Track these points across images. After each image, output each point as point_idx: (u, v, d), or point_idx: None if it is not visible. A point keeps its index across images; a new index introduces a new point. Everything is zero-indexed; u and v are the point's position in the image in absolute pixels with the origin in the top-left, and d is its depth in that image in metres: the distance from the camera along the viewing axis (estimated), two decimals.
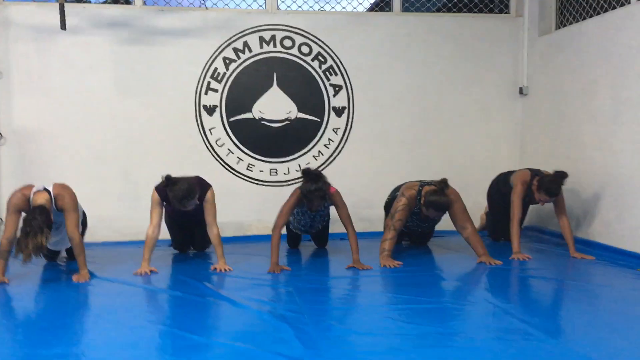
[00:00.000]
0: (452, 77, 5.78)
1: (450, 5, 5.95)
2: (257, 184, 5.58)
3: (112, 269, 4.15)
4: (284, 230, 4.59)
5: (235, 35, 5.46)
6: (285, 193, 4.43)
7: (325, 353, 2.49)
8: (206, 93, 5.45)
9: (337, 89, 5.65)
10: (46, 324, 2.97)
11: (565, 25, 5.40)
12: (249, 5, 5.56)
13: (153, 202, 4.15)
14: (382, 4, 5.80)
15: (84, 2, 5.37)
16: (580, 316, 3.00)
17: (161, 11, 5.33)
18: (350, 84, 5.65)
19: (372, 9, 5.90)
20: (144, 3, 5.38)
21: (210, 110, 5.47)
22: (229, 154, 5.51)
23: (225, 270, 4.06)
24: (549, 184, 4.42)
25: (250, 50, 5.50)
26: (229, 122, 5.50)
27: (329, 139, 5.67)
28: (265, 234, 4.71)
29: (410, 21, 5.73)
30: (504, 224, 4.77)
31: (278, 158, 5.60)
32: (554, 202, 4.53)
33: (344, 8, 5.76)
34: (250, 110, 5.52)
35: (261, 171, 5.58)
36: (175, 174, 4.11)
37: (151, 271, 4.02)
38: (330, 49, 5.60)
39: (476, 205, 5.15)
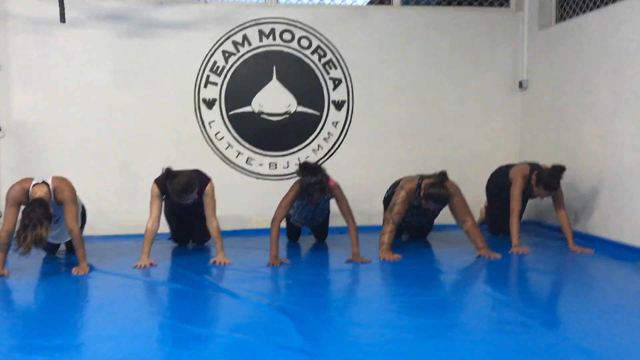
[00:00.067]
0: (452, 70, 5.78)
1: None
2: (256, 177, 5.58)
3: (112, 262, 4.16)
4: (283, 224, 4.60)
5: (234, 28, 5.45)
6: (284, 187, 4.43)
7: (324, 344, 2.50)
8: (205, 86, 5.44)
9: (336, 82, 5.64)
10: (46, 316, 2.97)
11: (565, 19, 5.39)
12: None
13: (152, 195, 4.14)
14: None
15: None
16: (579, 308, 3.01)
17: (160, 4, 5.31)
18: (350, 78, 5.65)
19: (372, 2, 5.89)
20: None
21: (210, 104, 5.46)
22: (228, 147, 5.51)
23: (224, 263, 4.06)
24: (547, 179, 4.42)
25: (249, 44, 5.48)
26: (228, 116, 5.49)
27: (329, 133, 5.66)
28: (264, 227, 4.71)
29: (410, 15, 5.72)
30: (503, 218, 4.78)
31: (277, 152, 5.60)
32: (552, 196, 4.54)
33: (343, 1, 5.74)
34: (249, 104, 5.51)
35: (260, 165, 5.58)
36: (174, 167, 4.12)
37: (150, 264, 4.02)
38: (330, 42, 5.59)
39: (476, 199, 5.14)
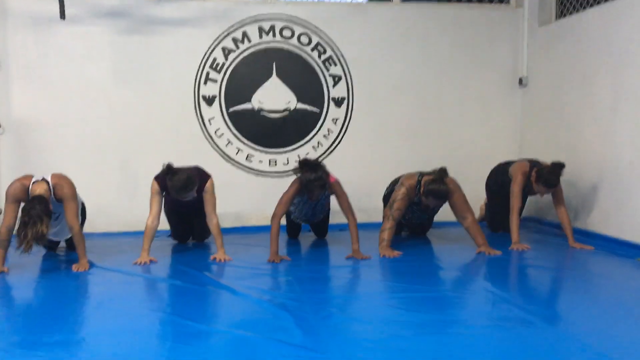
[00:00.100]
0: (452, 67, 5.77)
1: None
2: (256, 174, 5.58)
3: (112, 258, 4.16)
4: (283, 221, 4.59)
5: (234, 25, 5.44)
6: (284, 183, 4.43)
7: (325, 340, 2.50)
8: (205, 83, 5.43)
9: (336, 79, 5.64)
10: (46, 312, 2.98)
11: (565, 16, 5.39)
12: None
13: (153, 191, 4.14)
14: None
15: None
16: (579, 304, 3.02)
17: (159, 1, 5.30)
18: (350, 75, 5.64)
19: None
20: None
21: (210, 101, 5.46)
22: (228, 144, 5.50)
23: (225, 260, 4.06)
24: (547, 176, 4.42)
25: (249, 41, 5.48)
26: (228, 113, 5.49)
27: (328, 130, 5.66)
28: (264, 224, 4.71)
29: (410, 12, 5.71)
30: (503, 214, 4.78)
31: (277, 148, 5.60)
32: (552, 194, 4.54)
33: None
34: (249, 101, 5.51)
35: (260, 161, 5.58)
36: (174, 164, 4.10)
37: (151, 261, 4.02)
38: (329, 39, 5.59)
39: (475, 196, 5.14)
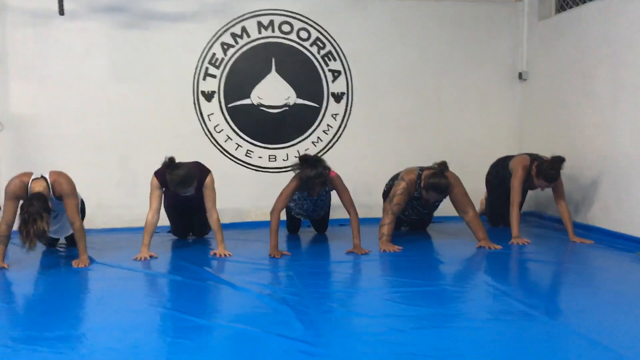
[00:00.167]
0: (451, 62, 5.76)
1: None
2: (255, 170, 5.57)
3: (112, 254, 4.15)
4: (283, 216, 4.59)
5: (233, 20, 5.42)
6: (284, 179, 4.43)
7: (326, 334, 2.50)
8: (204, 79, 5.42)
9: (335, 74, 5.63)
10: (47, 307, 2.98)
11: (565, 10, 5.37)
12: None
13: (152, 187, 4.14)
14: None
15: None
16: (579, 298, 3.02)
17: None
18: (349, 70, 5.63)
19: None
20: None
21: (209, 96, 5.45)
22: (227, 140, 5.50)
23: (225, 255, 4.06)
24: (547, 170, 4.42)
25: (248, 36, 5.46)
26: (227, 108, 5.48)
27: (328, 125, 5.65)
28: (264, 220, 4.70)
29: (409, 6, 5.69)
30: (503, 209, 4.78)
31: (277, 144, 5.59)
32: (553, 188, 4.54)
33: None
34: (248, 96, 5.50)
35: (260, 157, 5.57)
36: (175, 159, 4.09)
37: (151, 256, 4.02)
38: (329, 34, 5.58)
39: (475, 190, 5.13)
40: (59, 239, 4.41)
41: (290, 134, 5.60)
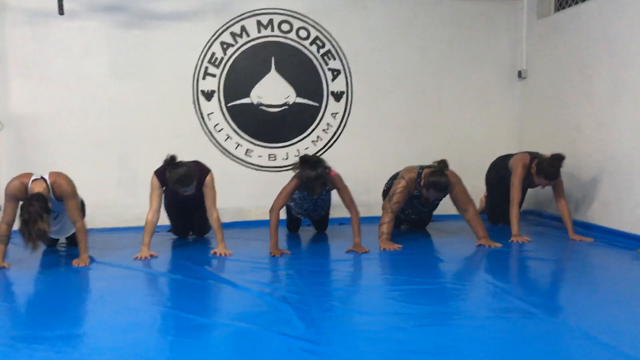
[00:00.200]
0: (451, 60, 5.77)
1: None
2: (255, 169, 5.57)
3: (112, 253, 4.15)
4: (283, 215, 4.59)
5: (232, 19, 5.42)
6: (284, 178, 4.42)
7: (327, 332, 2.50)
8: (204, 78, 5.42)
9: (335, 73, 5.63)
10: (48, 306, 2.98)
11: (564, 8, 5.38)
12: None
13: (152, 186, 4.14)
14: None
15: None
16: (579, 295, 3.02)
17: None
18: (349, 69, 5.63)
19: None
20: None
21: (209, 96, 5.45)
22: (227, 139, 5.50)
23: (225, 254, 4.06)
24: (548, 168, 4.42)
25: (247, 35, 5.46)
26: (227, 107, 5.48)
27: (328, 124, 5.66)
28: (264, 219, 4.70)
29: (409, 4, 5.69)
30: (503, 207, 4.79)
31: (277, 143, 5.59)
32: (553, 186, 4.54)
33: None
34: (248, 95, 5.50)
35: (260, 156, 5.57)
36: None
37: (151, 256, 4.02)
38: (328, 33, 5.58)
39: (475, 188, 5.14)
40: (59, 239, 4.41)
41: (289, 133, 5.60)
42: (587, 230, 4.64)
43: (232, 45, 5.45)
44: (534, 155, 4.63)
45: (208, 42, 5.40)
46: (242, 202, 5.47)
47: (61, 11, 4.74)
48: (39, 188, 3.72)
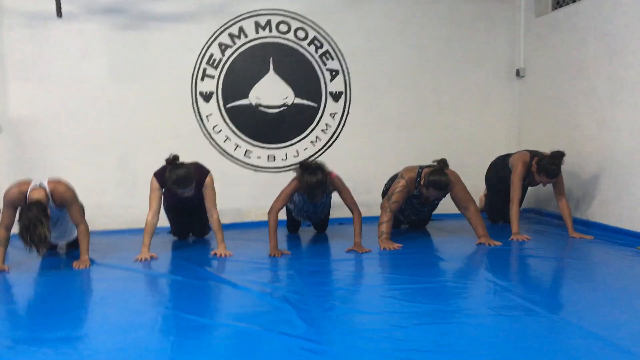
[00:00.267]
0: (449, 59, 5.77)
1: None
2: (254, 170, 5.57)
3: (112, 255, 4.15)
4: (283, 216, 4.59)
5: (230, 20, 5.42)
6: (283, 179, 4.43)
7: (328, 332, 2.50)
8: (202, 79, 5.42)
9: (333, 73, 5.63)
10: (49, 308, 2.97)
11: (561, 6, 5.38)
12: None
13: (152, 188, 4.14)
14: None
15: None
16: (579, 293, 3.02)
17: None
18: (347, 69, 5.64)
19: None
20: None
21: (207, 97, 5.45)
22: (226, 140, 5.50)
23: (225, 255, 4.06)
24: (548, 165, 4.43)
25: (245, 36, 5.47)
26: (225, 109, 5.48)
27: (326, 124, 5.66)
28: (263, 220, 4.70)
29: (406, 3, 5.70)
30: (503, 206, 4.79)
31: (275, 144, 5.59)
32: (553, 184, 4.54)
33: None
34: (247, 96, 5.50)
35: (259, 157, 5.57)
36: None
37: (151, 257, 4.02)
38: (326, 33, 5.58)
39: (475, 187, 5.14)
40: (58, 244, 4.40)
41: (288, 133, 5.60)
42: (586, 228, 4.64)
43: (230, 47, 5.45)
44: (533, 154, 4.64)
45: (206, 44, 5.40)
46: (241, 203, 5.47)
47: (59, 14, 4.74)
48: (37, 195, 3.70)
